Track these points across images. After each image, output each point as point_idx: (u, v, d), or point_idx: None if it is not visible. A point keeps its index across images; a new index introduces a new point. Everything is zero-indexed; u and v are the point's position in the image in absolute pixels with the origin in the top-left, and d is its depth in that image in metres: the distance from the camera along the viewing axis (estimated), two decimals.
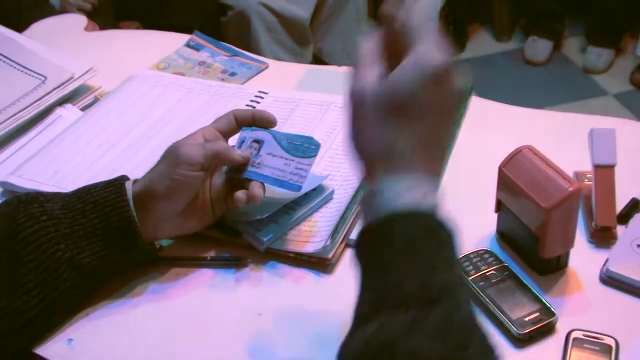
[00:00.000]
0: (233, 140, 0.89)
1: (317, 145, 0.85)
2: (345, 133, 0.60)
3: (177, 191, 0.81)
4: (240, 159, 0.84)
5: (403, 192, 0.56)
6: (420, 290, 0.53)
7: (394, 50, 0.58)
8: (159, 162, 0.83)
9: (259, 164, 0.85)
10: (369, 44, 0.60)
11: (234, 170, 0.86)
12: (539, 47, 3.05)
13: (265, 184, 0.85)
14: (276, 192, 0.86)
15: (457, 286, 0.55)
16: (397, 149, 0.56)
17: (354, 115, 0.59)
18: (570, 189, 0.76)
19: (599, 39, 2.97)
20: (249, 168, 0.85)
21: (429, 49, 0.56)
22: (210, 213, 0.86)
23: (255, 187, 0.83)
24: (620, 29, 2.99)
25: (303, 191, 0.86)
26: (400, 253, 0.54)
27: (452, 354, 0.51)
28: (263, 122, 0.88)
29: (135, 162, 1.01)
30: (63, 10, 2.10)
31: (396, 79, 0.56)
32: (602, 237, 0.86)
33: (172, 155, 0.81)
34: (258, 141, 0.86)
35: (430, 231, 0.55)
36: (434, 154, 0.58)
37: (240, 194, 0.82)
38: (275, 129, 0.88)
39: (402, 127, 0.56)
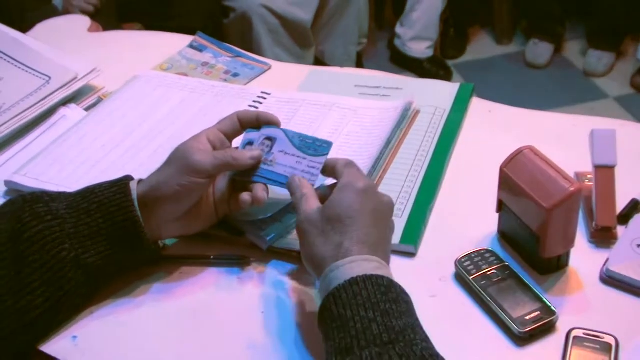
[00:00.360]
0: (236, 142, 0.89)
1: (329, 144, 0.85)
2: (302, 252, 0.77)
3: (184, 196, 0.81)
4: (250, 162, 0.84)
5: (357, 267, 0.71)
6: (383, 333, 0.65)
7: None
8: (166, 165, 0.83)
9: (271, 161, 0.85)
10: (298, 182, 0.81)
11: (242, 172, 0.86)
12: (539, 50, 3.06)
13: (271, 186, 0.85)
14: (279, 192, 0.87)
15: (415, 328, 0.67)
16: (344, 245, 0.72)
17: (305, 234, 0.76)
18: (571, 189, 0.77)
19: (599, 42, 2.98)
20: (261, 166, 0.85)
21: (353, 178, 0.77)
22: (213, 214, 0.87)
23: (259, 190, 0.83)
24: (621, 32, 2.99)
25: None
26: (361, 308, 0.67)
27: None
28: (267, 124, 0.88)
29: (138, 162, 1.02)
30: (65, 12, 2.11)
31: (333, 200, 0.76)
32: (603, 237, 0.87)
33: (181, 161, 0.81)
34: (270, 139, 0.86)
35: (384, 290, 0.69)
36: (376, 248, 0.74)
37: (245, 196, 0.83)
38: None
39: (345, 231, 0.73)
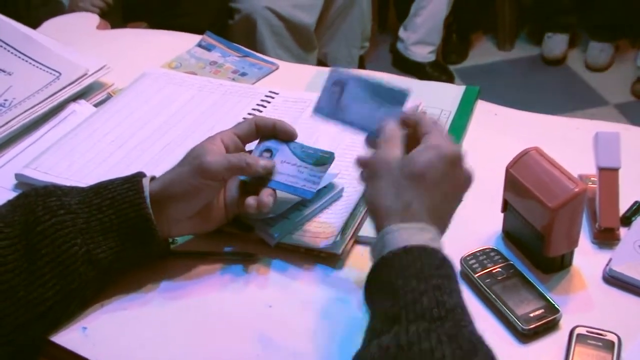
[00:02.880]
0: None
1: (331, 155, 0.86)
2: (365, 191, 0.76)
3: (194, 196, 0.82)
4: (262, 172, 0.85)
5: (415, 234, 0.69)
6: (433, 308, 0.63)
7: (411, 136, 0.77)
8: (180, 164, 0.83)
9: (344, 107, 0.84)
10: (393, 125, 0.77)
11: (256, 177, 0.86)
12: (556, 42, 3.11)
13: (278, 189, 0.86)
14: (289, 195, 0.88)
15: (464, 309, 0.65)
16: (413, 206, 0.71)
17: (378, 177, 0.74)
18: (576, 189, 0.78)
19: (599, 34, 3.06)
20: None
21: (443, 141, 0.74)
22: (223, 215, 0.88)
23: (265, 195, 0.84)
24: (619, 26, 3.08)
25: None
26: (414, 278, 0.65)
27: (462, 357, 0.59)
28: (283, 133, 0.88)
29: (147, 158, 1.03)
30: (71, 11, 2.12)
31: (417, 156, 0.73)
32: (606, 238, 0.88)
33: (195, 163, 0.82)
34: (269, 150, 0.87)
35: (438, 264, 0.67)
36: (440, 217, 0.73)
37: (251, 201, 0.83)
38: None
39: (419, 192, 0.71)
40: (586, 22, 3.15)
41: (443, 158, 0.73)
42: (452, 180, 0.73)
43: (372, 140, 0.79)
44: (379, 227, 0.73)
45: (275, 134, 0.88)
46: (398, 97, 0.81)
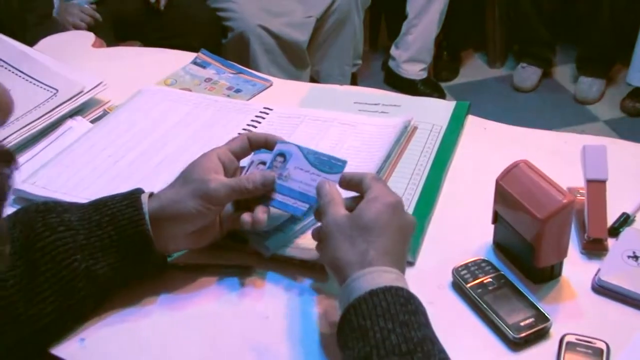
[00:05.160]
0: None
1: (344, 162, 0.88)
2: (322, 255, 0.81)
3: (197, 218, 0.84)
4: (262, 190, 0.86)
5: (377, 277, 0.73)
6: (402, 343, 0.67)
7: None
8: (180, 184, 0.85)
9: (285, 176, 0.87)
10: (330, 187, 0.83)
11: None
12: (527, 74, 3.12)
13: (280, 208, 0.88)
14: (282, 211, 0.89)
15: (433, 339, 0.69)
16: (369, 253, 0.75)
17: (330, 237, 0.78)
18: (564, 200, 0.80)
19: (589, 69, 3.02)
20: (277, 181, 0.87)
21: (385, 192, 0.80)
22: (218, 230, 0.89)
23: (260, 212, 0.86)
24: (610, 58, 3.04)
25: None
26: (381, 317, 0.69)
27: None
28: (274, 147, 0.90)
29: (144, 173, 1.05)
30: (61, 25, 2.14)
31: (364, 209, 0.78)
32: (594, 249, 0.90)
33: (197, 186, 0.83)
34: (283, 155, 0.89)
35: (403, 301, 0.71)
36: (397, 260, 0.77)
37: (246, 218, 0.85)
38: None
39: (371, 240, 0.76)
40: (575, 56, 3.11)
41: (387, 207, 0.78)
42: (398, 226, 0.78)
43: (318, 210, 0.84)
44: (342, 281, 0.76)
45: (267, 148, 0.90)
46: (336, 166, 0.87)
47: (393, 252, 0.77)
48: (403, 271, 0.78)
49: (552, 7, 3.02)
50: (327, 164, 0.88)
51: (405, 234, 0.80)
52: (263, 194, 0.87)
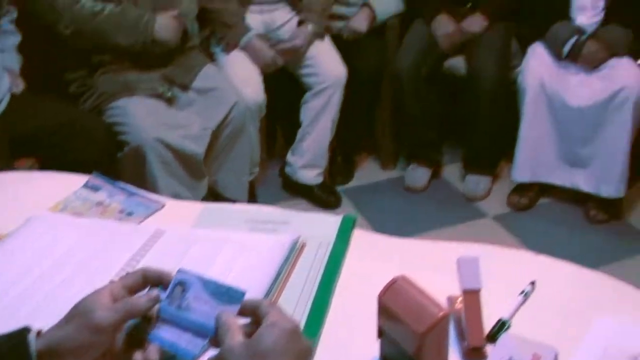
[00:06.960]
0: None
1: (242, 294, 0.88)
2: None
3: (84, 352, 0.82)
4: (149, 304, 0.86)
5: None
6: None
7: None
8: (67, 321, 0.83)
9: (185, 307, 0.87)
10: (228, 316, 0.84)
11: (139, 328, 0.87)
12: (418, 175, 3.27)
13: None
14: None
15: None
16: None
17: None
18: (440, 314, 0.85)
19: (475, 167, 3.20)
20: (172, 309, 0.87)
21: (281, 318, 0.82)
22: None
23: (152, 352, 0.85)
24: (494, 157, 3.23)
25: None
26: None
27: None
28: (169, 281, 0.90)
29: (32, 306, 1.03)
30: None
31: (261, 335, 0.79)
32: (475, 356, 0.95)
33: (82, 318, 0.82)
34: (182, 284, 0.89)
35: None
36: None
37: (138, 357, 0.85)
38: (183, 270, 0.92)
39: None
40: (461, 156, 3.28)
41: (285, 332, 0.80)
42: (297, 351, 0.80)
43: (214, 339, 0.85)
44: None
45: (162, 282, 0.90)
46: (235, 296, 0.88)
47: None
48: None
49: (437, 110, 3.21)
50: (226, 294, 0.89)
51: (301, 355, 0.81)
52: (156, 326, 0.88)
